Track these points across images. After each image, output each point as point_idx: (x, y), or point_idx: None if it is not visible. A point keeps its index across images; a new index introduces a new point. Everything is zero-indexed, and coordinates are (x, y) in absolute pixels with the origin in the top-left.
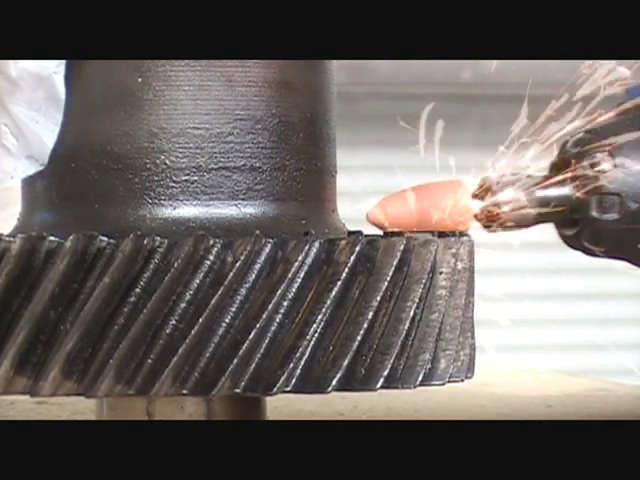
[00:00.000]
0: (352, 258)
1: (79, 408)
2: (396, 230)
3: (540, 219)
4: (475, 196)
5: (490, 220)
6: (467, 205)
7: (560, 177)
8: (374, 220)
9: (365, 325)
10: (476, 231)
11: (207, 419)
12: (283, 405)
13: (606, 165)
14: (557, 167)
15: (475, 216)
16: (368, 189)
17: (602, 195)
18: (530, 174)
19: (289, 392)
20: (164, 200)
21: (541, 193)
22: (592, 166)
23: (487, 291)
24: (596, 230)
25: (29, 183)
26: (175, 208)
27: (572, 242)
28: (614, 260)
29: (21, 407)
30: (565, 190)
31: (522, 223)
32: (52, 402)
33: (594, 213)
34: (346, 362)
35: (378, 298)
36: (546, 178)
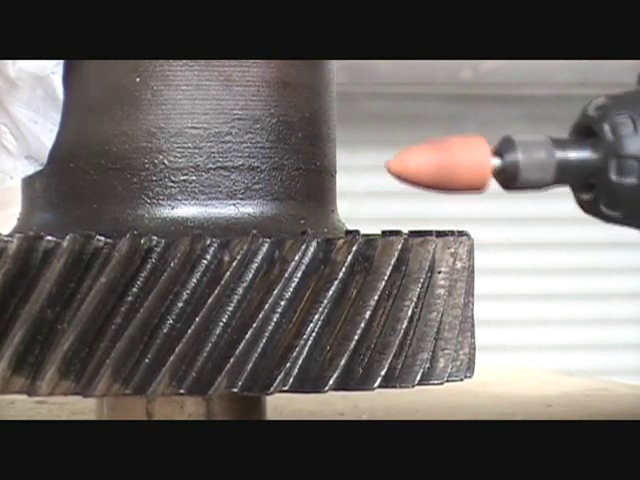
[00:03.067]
0: (349, 257)
1: (79, 408)
2: (394, 229)
3: (558, 181)
4: (495, 153)
5: (508, 179)
6: (487, 162)
7: (580, 140)
8: (394, 171)
9: (363, 324)
10: (476, 231)
11: (207, 419)
12: (283, 405)
13: (626, 129)
14: (577, 130)
15: (494, 173)
16: (368, 189)
17: (621, 159)
18: (551, 135)
19: (286, 391)
20: (162, 200)
21: (561, 155)
22: (612, 130)
23: (487, 291)
24: (614, 195)
25: (29, 183)
26: (173, 208)
27: (589, 207)
28: (630, 228)
29: (21, 407)
30: (585, 153)
31: (540, 184)
32: (52, 402)
33: (613, 177)
34: (344, 361)
35: (376, 297)
36: (566, 140)
